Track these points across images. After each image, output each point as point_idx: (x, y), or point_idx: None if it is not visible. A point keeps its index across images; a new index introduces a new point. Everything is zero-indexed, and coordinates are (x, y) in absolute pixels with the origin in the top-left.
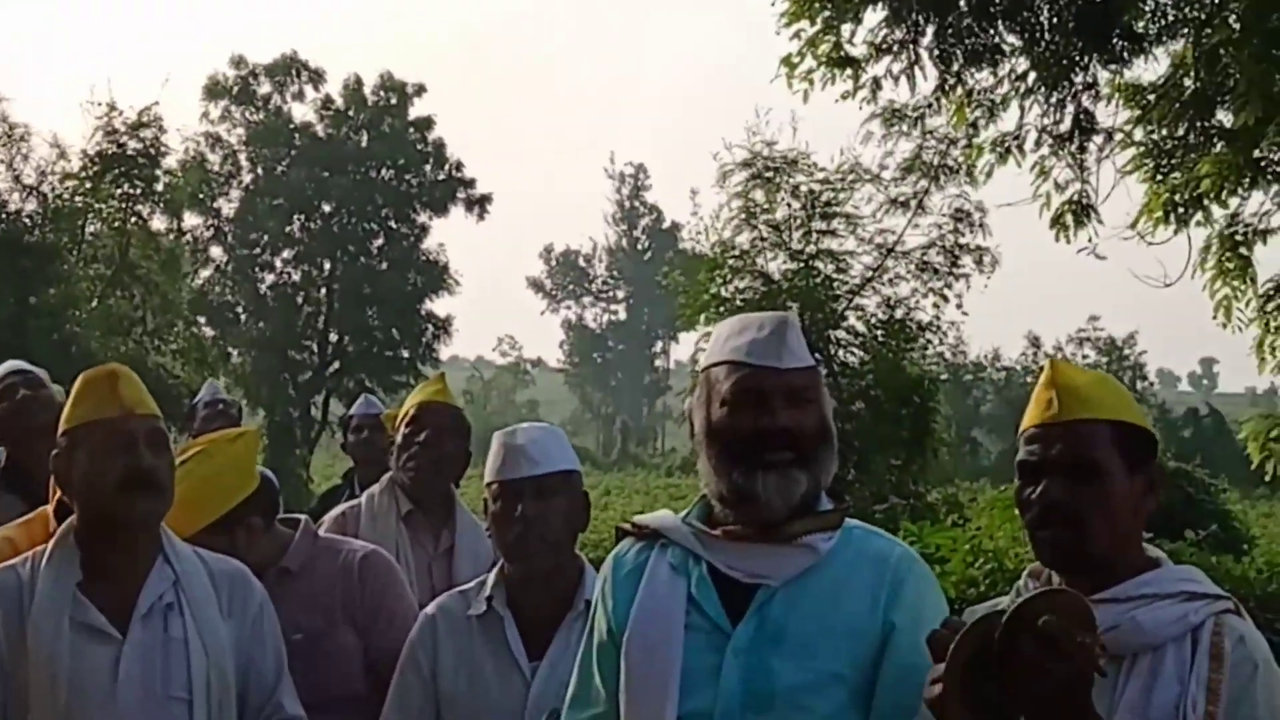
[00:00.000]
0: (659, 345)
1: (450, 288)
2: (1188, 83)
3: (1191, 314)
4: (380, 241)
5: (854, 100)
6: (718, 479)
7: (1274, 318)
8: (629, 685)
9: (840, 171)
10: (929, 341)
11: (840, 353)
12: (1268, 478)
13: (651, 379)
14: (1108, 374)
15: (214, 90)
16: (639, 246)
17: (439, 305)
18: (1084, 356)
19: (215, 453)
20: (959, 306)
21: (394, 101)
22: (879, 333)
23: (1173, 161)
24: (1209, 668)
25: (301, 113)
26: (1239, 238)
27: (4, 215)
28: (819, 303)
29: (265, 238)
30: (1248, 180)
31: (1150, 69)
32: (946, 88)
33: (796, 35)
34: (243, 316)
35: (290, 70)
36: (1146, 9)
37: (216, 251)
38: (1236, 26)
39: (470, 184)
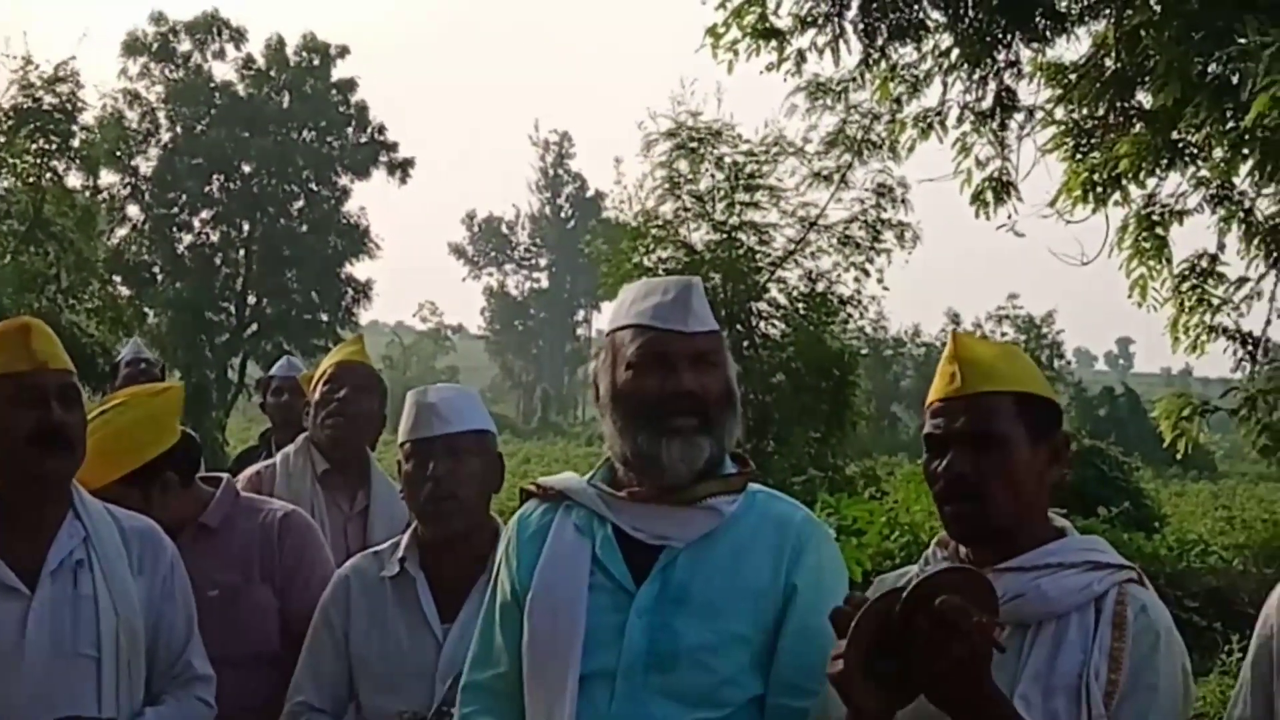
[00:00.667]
0: (581, 314)
1: (371, 252)
2: (1108, 63)
3: (1109, 295)
4: (300, 204)
5: (779, 72)
6: (622, 442)
7: (1188, 298)
8: (532, 645)
9: (764, 144)
10: (850, 315)
11: (761, 325)
12: (1179, 456)
13: (573, 347)
14: (1011, 345)
15: (133, 47)
16: (562, 214)
17: (359, 269)
18: (1003, 334)
19: (136, 405)
20: (880, 281)
21: (316, 63)
22: (800, 305)
23: (1092, 141)
24: (1112, 636)
25: (222, 72)
26: (1155, 218)
27: None
28: (741, 274)
29: (184, 197)
30: (1165, 161)
31: (1072, 49)
32: (871, 62)
33: (722, 5)
34: (159, 276)
35: (211, 28)
36: None
37: (133, 210)
38: (1157, 8)
39: (393, 148)
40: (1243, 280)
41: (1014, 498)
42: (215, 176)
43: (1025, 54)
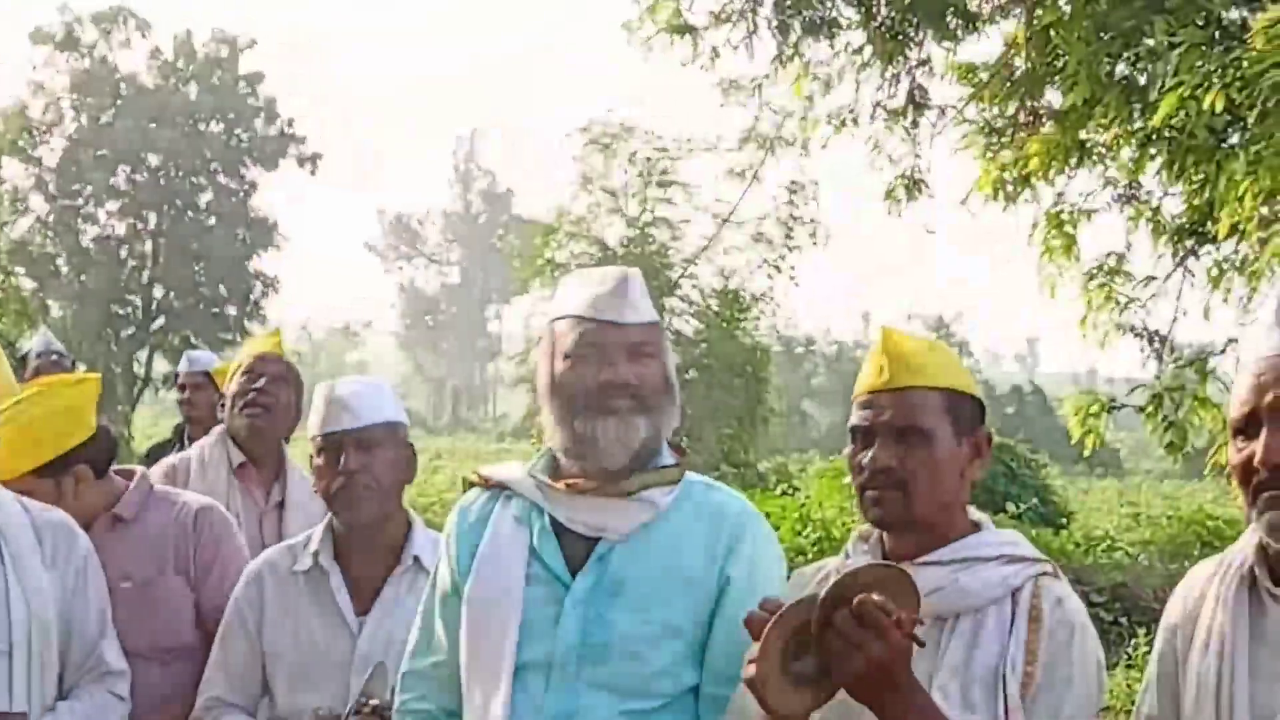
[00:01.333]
0: (492, 309)
1: (280, 245)
2: (1019, 63)
3: (1018, 295)
4: (208, 196)
5: (693, 68)
6: (560, 430)
7: (1096, 296)
8: (470, 634)
9: (677, 141)
10: (762, 312)
11: (674, 321)
12: (1086, 453)
13: (484, 343)
14: (938, 341)
15: (38, 36)
16: (472, 210)
17: (268, 263)
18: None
19: (51, 395)
20: (792, 278)
21: (224, 55)
22: (713, 302)
23: (1003, 140)
24: (1027, 629)
25: (129, 63)
26: (1065, 217)
27: None
28: (654, 270)
29: (89, 189)
30: (1075, 160)
31: (984, 48)
32: (784, 59)
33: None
34: (64, 269)
35: (117, 19)
36: None
37: (37, 201)
38: (1067, 9)
39: (301, 140)
40: (1150, 279)
41: (936, 491)
42: (122, 168)
43: (937, 53)
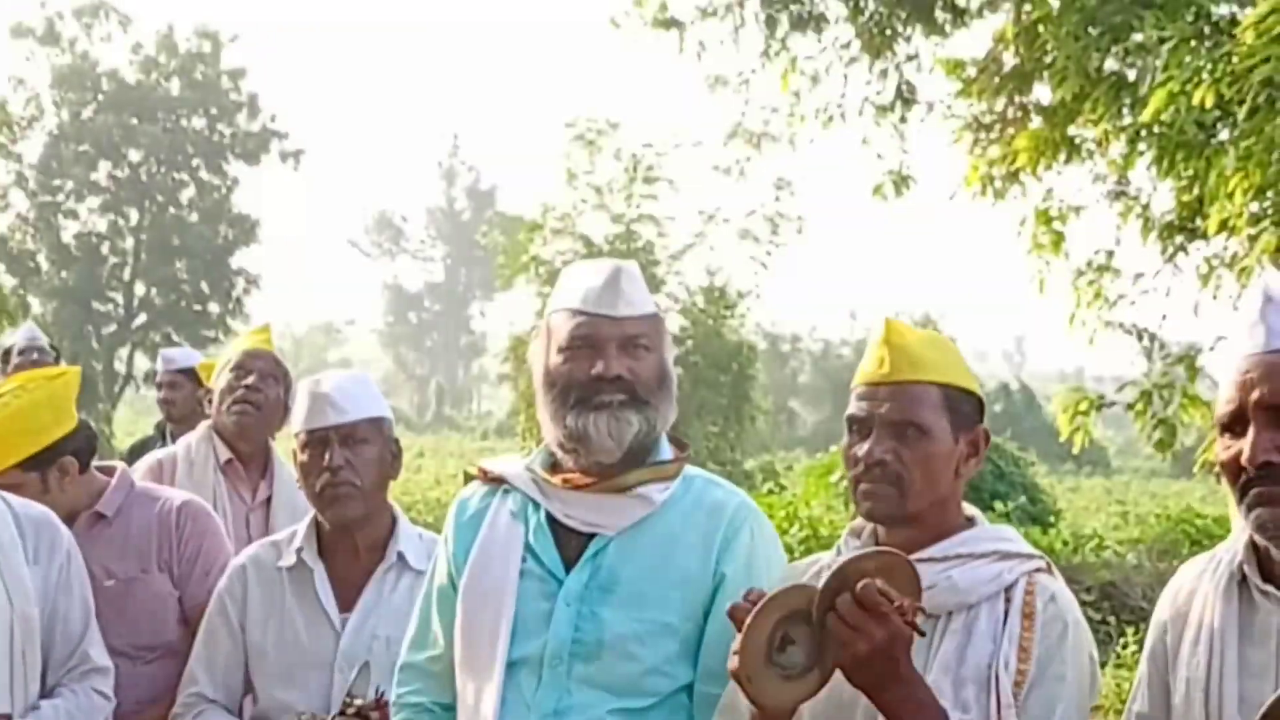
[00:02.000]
0: (476, 307)
1: (262, 242)
2: (1007, 58)
3: (1006, 292)
4: (190, 192)
5: (680, 64)
6: (554, 424)
7: (1084, 293)
8: (464, 629)
9: (664, 137)
10: (749, 309)
11: None
12: (1075, 451)
13: (468, 341)
14: (939, 335)
15: (18, 30)
16: (456, 206)
17: (251, 260)
18: None
19: (33, 388)
20: (779, 276)
21: (207, 49)
22: (699, 299)
23: (991, 136)
24: (1021, 626)
25: (110, 58)
26: (1053, 213)
27: None
28: (639, 266)
29: (70, 185)
30: (1063, 156)
31: (973, 43)
32: (771, 54)
33: None
34: (44, 265)
35: (98, 13)
36: None
37: (17, 197)
38: (1055, 4)
39: (284, 136)
40: (1139, 275)
41: (931, 487)
42: (103, 164)
43: (925, 48)
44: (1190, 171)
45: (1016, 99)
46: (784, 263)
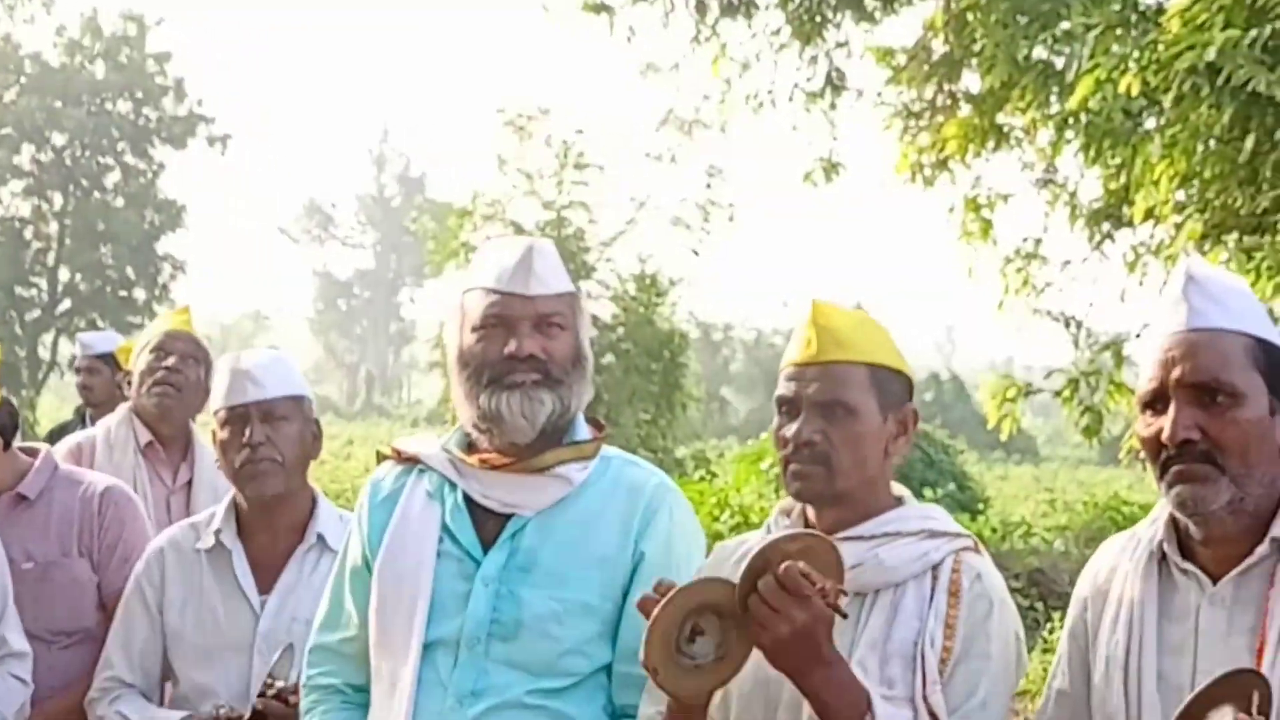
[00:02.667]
0: (405, 293)
1: (189, 228)
2: (937, 45)
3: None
4: (115, 177)
5: (612, 51)
6: (468, 404)
7: (1012, 279)
8: (379, 610)
9: (595, 123)
10: (680, 297)
11: (591, 305)
12: (1003, 439)
13: (398, 328)
14: (868, 315)
15: None
16: (386, 193)
17: (177, 246)
18: None
19: None
20: (711, 264)
21: (132, 33)
22: (630, 286)
23: (921, 123)
24: (947, 604)
25: (33, 40)
26: (982, 200)
27: None
28: (570, 254)
29: None
30: (992, 143)
31: (903, 31)
32: (701, 39)
33: None
34: None
35: None
36: None
37: None
38: None
39: (211, 121)
40: (1066, 263)
41: (859, 467)
42: (26, 147)
43: (855, 35)
44: (1117, 159)
45: (946, 87)
46: (716, 251)
